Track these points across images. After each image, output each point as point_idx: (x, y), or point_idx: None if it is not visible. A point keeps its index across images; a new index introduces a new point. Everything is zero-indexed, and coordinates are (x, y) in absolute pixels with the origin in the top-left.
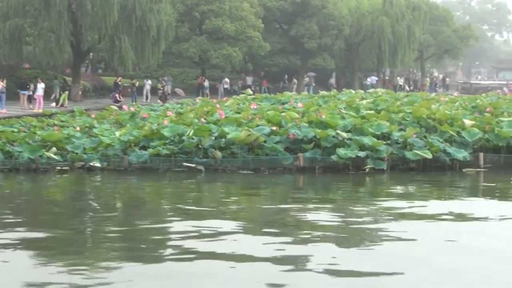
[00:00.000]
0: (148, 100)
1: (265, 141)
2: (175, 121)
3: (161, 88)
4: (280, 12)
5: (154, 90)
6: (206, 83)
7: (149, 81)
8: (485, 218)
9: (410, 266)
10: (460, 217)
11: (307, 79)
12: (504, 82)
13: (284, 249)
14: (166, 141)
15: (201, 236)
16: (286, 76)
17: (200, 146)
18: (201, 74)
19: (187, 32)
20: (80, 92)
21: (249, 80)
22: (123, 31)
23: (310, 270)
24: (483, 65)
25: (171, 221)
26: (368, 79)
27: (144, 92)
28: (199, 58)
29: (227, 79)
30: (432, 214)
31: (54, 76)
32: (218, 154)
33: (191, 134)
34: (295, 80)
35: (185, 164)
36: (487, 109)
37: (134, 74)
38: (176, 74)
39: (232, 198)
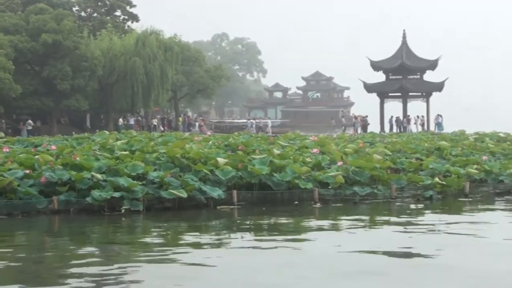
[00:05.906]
0: None
1: (18, 185)
2: None
3: None
4: (32, 54)
5: None
6: None
7: None
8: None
9: None
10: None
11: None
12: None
13: None
14: None
15: None
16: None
17: None
18: None
19: None
20: None
21: None
22: None
23: None
24: (235, 104)
25: None
26: (120, 120)
27: None
28: None
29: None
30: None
31: None
32: None
33: None
34: None
35: None
36: (239, 147)
37: None
38: None
39: None
